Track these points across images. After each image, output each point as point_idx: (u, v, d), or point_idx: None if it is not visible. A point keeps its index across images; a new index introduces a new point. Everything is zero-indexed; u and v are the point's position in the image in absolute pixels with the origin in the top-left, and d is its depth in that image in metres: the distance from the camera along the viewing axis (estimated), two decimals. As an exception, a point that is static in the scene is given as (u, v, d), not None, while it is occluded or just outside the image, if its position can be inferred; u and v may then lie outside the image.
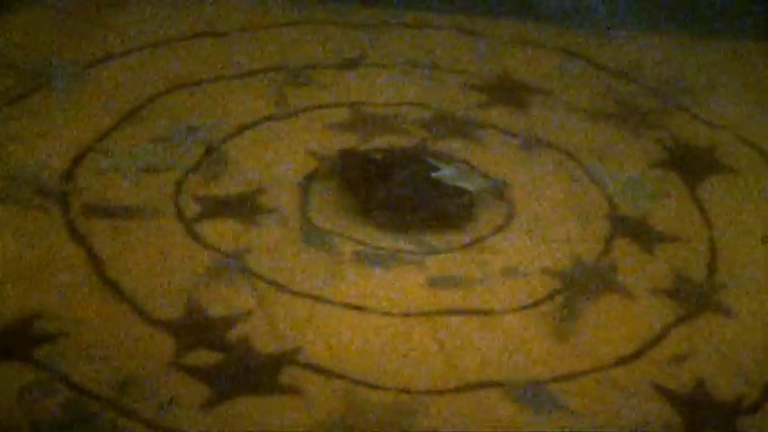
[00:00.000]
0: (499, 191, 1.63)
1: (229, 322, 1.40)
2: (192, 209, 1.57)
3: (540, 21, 2.09)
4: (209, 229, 1.54)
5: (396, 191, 1.59)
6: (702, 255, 1.57)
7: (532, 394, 1.34)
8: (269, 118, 1.77)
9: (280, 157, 1.68)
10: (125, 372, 1.32)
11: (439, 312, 1.44)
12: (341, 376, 1.35)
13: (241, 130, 1.73)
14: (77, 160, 1.64)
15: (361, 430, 1.28)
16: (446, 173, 1.62)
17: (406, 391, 1.33)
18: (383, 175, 1.61)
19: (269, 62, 1.90)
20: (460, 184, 1.61)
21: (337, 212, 1.59)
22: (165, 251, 1.50)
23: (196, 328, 1.39)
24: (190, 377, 1.33)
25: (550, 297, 1.48)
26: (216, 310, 1.42)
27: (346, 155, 1.67)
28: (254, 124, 1.75)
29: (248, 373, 1.34)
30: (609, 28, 2.07)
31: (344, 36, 1.99)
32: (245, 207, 1.58)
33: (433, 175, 1.62)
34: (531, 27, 2.06)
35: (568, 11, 2.12)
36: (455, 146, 1.73)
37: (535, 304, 1.47)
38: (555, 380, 1.36)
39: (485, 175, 1.66)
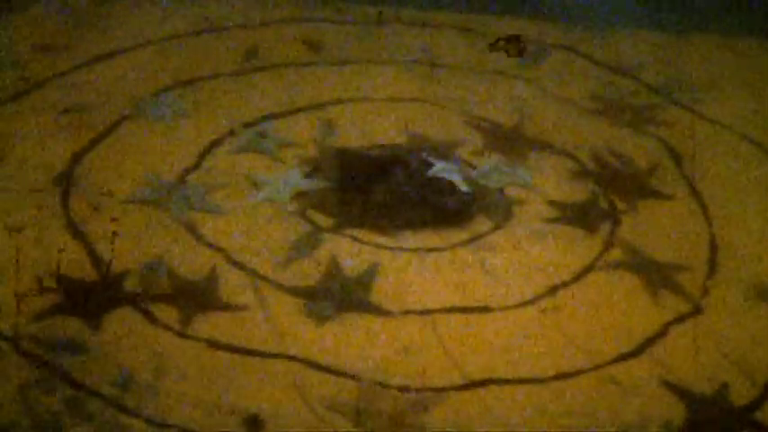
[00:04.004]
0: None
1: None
2: (193, 205, 1.58)
3: (540, 18, 2.09)
4: (208, 225, 1.55)
5: (395, 189, 1.59)
6: (702, 251, 1.57)
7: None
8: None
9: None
10: (126, 368, 1.33)
11: (439, 310, 1.45)
12: (342, 373, 1.36)
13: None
14: (78, 158, 1.65)
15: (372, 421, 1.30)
16: (438, 168, 1.63)
17: (407, 388, 1.33)
18: (383, 173, 1.61)
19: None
20: (452, 179, 1.62)
21: (337, 211, 1.59)
22: (165, 247, 1.51)
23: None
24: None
25: (550, 293, 1.48)
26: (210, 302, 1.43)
27: (346, 154, 1.67)
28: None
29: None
30: (608, 26, 2.07)
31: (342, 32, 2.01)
32: (243, 210, 1.59)
33: (429, 172, 1.63)
34: (531, 24, 2.06)
35: (569, 8, 2.13)
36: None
37: (534, 300, 1.47)
38: (556, 377, 1.37)
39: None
